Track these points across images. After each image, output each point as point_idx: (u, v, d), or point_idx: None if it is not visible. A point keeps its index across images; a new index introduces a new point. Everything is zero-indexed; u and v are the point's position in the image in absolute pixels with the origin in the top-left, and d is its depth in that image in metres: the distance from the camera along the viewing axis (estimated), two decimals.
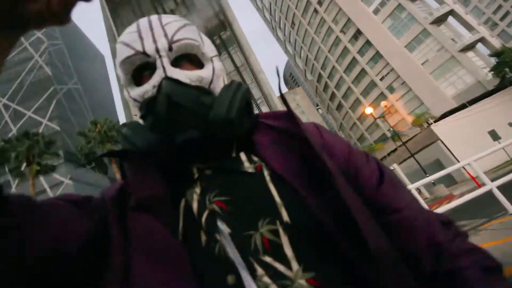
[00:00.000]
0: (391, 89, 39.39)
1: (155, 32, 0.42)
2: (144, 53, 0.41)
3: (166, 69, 0.40)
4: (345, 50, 45.26)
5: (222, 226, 0.36)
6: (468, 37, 32.62)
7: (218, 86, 0.45)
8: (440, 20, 34.03)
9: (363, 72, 43.08)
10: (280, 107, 36.30)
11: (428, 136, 16.71)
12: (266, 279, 0.33)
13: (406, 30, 36.28)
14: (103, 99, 76.33)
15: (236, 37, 40.63)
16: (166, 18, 0.45)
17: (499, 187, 3.88)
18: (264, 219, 0.36)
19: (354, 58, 43.86)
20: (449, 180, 15.39)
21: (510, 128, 15.56)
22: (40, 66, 55.12)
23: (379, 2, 39.12)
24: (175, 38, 0.42)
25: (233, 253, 0.35)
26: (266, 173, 0.40)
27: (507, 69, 16.17)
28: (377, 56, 40.06)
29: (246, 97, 0.43)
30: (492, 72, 17.40)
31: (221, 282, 0.34)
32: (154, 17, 0.45)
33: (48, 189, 46.18)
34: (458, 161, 15.14)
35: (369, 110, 20.17)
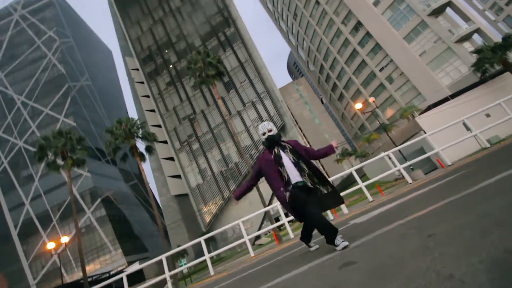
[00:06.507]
0: (390, 79, 40.65)
1: (267, 128, 3.21)
2: (265, 132, 3.21)
3: (269, 134, 3.20)
4: (346, 42, 46.27)
5: (284, 155, 3.10)
6: (464, 28, 33.55)
7: (275, 132, 3.22)
8: (438, 12, 34.93)
9: (363, 63, 44.25)
10: (282, 98, 38.01)
11: (413, 128, 18.66)
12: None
13: (405, 21, 37.21)
14: (112, 93, 78.70)
15: (239, 34, 41.93)
16: (267, 125, 3.27)
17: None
18: (294, 154, 3.09)
19: (354, 49, 44.92)
20: (430, 167, 17.38)
21: (486, 119, 17.36)
22: (54, 64, 57.72)
23: None
24: (268, 128, 3.21)
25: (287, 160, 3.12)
26: (288, 149, 3.15)
27: (487, 65, 17.73)
28: (377, 47, 41.14)
29: (280, 134, 3.23)
30: (474, 68, 18.95)
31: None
32: (266, 123, 3.29)
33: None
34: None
35: (358, 106, 22.00)
